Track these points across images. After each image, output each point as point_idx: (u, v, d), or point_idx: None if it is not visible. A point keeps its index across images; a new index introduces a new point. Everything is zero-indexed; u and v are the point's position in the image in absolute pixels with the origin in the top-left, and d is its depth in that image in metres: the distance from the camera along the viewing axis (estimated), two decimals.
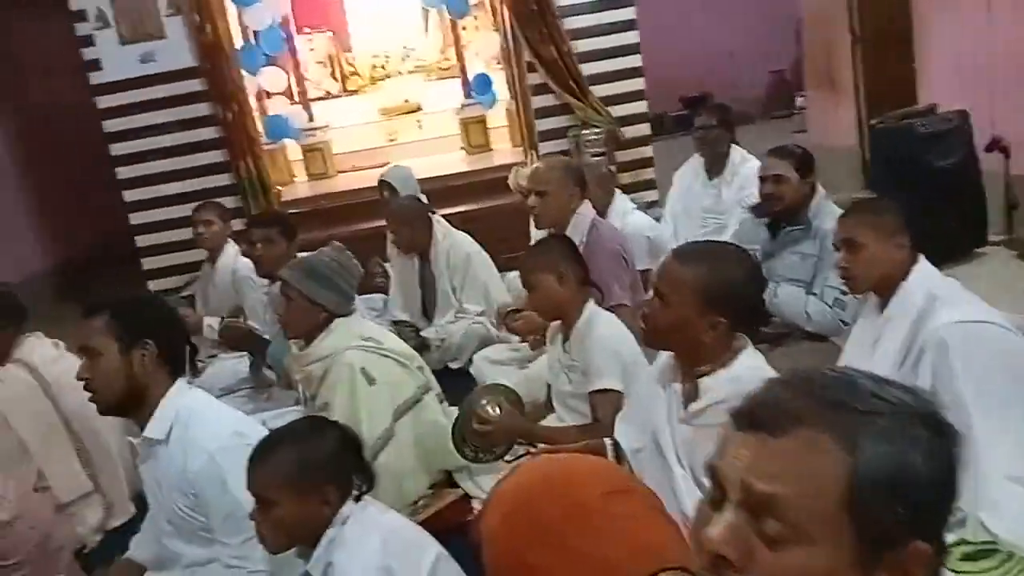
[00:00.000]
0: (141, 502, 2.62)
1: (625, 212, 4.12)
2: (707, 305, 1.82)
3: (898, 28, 5.66)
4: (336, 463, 1.80)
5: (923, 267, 2.27)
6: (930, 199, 4.07)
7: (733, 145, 4.20)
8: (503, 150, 6.84)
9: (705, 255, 1.91)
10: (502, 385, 2.97)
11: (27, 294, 3.38)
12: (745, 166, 4.07)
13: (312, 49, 7.65)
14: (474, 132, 6.86)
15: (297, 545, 1.80)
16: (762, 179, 3.25)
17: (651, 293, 1.95)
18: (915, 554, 0.73)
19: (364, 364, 2.71)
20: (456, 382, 3.56)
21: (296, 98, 7.20)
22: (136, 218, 6.08)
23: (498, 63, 7.03)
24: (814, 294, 3.07)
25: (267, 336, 3.72)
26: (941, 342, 2.06)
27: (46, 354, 2.89)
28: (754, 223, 3.35)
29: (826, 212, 3.12)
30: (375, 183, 4.81)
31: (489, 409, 2.76)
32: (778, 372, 1.89)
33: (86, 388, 2.02)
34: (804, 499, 0.72)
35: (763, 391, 0.80)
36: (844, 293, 2.86)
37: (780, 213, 3.21)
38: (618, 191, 4.30)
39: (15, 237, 6.94)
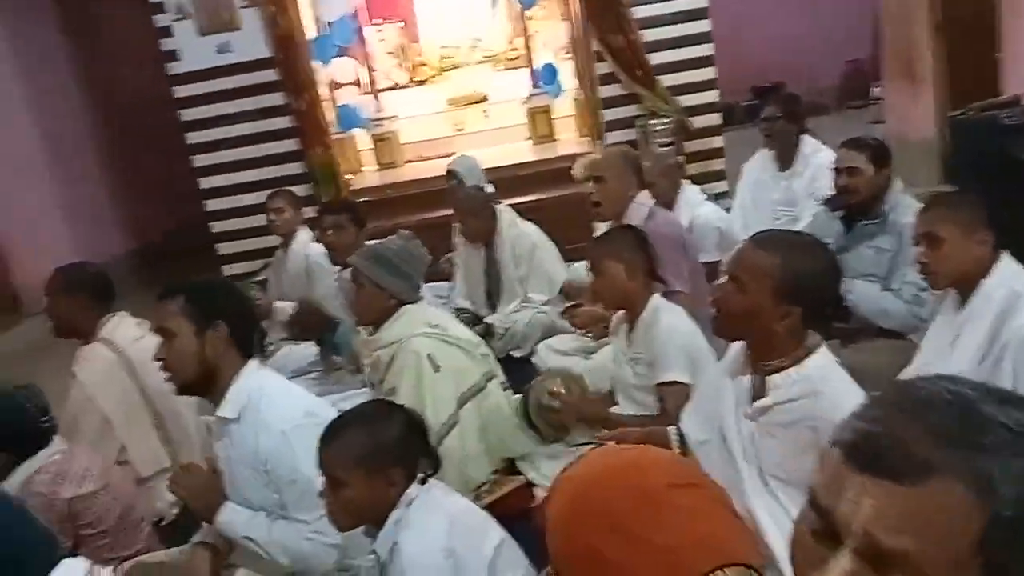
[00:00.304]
0: None
1: (695, 203, 4.08)
2: (782, 293, 1.79)
3: (982, 16, 5.44)
4: (403, 446, 1.83)
5: (1006, 264, 2.19)
6: (1013, 193, 3.91)
7: (804, 136, 4.11)
8: (569, 140, 6.82)
9: (783, 243, 1.87)
10: (566, 370, 3.01)
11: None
12: (817, 157, 3.98)
13: (382, 40, 7.73)
14: (540, 122, 6.86)
15: (365, 524, 1.84)
16: (836, 171, 3.17)
17: (724, 278, 1.92)
18: None
19: (430, 351, 2.74)
20: (519, 371, 3.58)
21: (366, 88, 7.30)
22: (212, 205, 6.25)
23: (566, 53, 7.00)
24: (890, 290, 2.99)
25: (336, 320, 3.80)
26: None
27: (129, 334, 2.99)
28: (828, 216, 3.28)
29: (903, 206, 3.04)
30: (442, 172, 4.85)
31: (561, 388, 2.80)
32: (851, 370, 1.87)
33: (162, 368, 2.10)
34: (934, 553, 0.67)
35: (877, 424, 0.73)
36: (923, 289, 2.78)
37: (855, 206, 3.13)
38: (687, 182, 4.25)
39: (97, 222, 7.22)
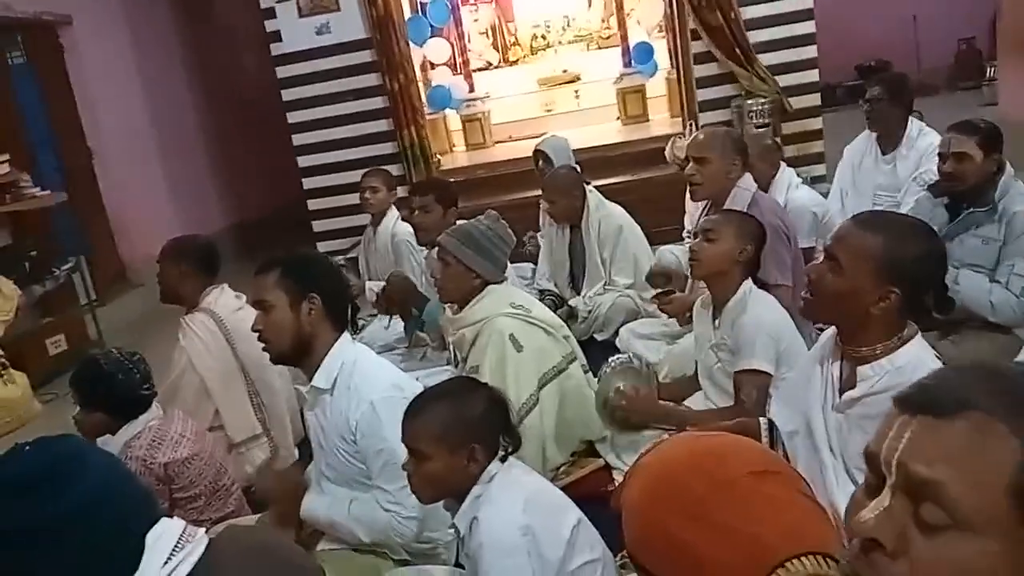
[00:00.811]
0: (303, 448, 2.81)
1: (790, 186, 3.96)
2: (883, 275, 1.71)
3: None
4: (485, 423, 1.84)
5: None
6: None
7: (911, 118, 3.92)
8: (659, 121, 6.72)
9: (888, 223, 1.79)
10: (633, 368, 2.90)
11: None
12: (923, 140, 3.80)
13: (476, 20, 7.77)
14: (631, 102, 6.78)
15: (445, 498, 1.87)
16: (942, 156, 3.02)
17: (820, 258, 1.86)
18: None
19: (513, 331, 2.76)
20: (602, 353, 3.55)
21: (458, 69, 7.35)
22: (308, 183, 6.43)
23: (660, 31, 6.88)
24: (997, 282, 2.84)
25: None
26: None
27: (228, 304, 3.12)
28: (932, 202, 3.12)
29: (1015, 193, 2.87)
30: (530, 153, 4.85)
31: (627, 389, 2.73)
32: (948, 363, 1.79)
33: (260, 339, 2.18)
34: (966, 485, 0.68)
35: (935, 375, 0.76)
36: None
37: (962, 193, 2.97)
38: (783, 164, 4.13)
39: (201, 198, 7.53)
